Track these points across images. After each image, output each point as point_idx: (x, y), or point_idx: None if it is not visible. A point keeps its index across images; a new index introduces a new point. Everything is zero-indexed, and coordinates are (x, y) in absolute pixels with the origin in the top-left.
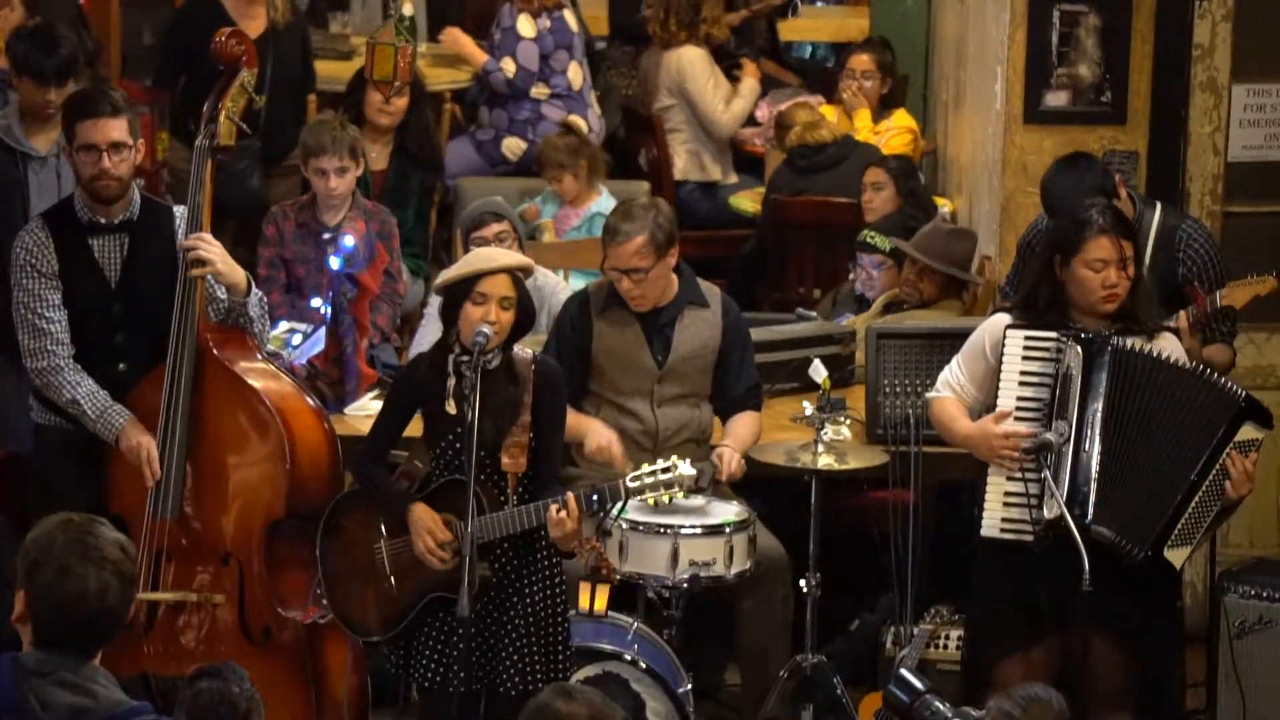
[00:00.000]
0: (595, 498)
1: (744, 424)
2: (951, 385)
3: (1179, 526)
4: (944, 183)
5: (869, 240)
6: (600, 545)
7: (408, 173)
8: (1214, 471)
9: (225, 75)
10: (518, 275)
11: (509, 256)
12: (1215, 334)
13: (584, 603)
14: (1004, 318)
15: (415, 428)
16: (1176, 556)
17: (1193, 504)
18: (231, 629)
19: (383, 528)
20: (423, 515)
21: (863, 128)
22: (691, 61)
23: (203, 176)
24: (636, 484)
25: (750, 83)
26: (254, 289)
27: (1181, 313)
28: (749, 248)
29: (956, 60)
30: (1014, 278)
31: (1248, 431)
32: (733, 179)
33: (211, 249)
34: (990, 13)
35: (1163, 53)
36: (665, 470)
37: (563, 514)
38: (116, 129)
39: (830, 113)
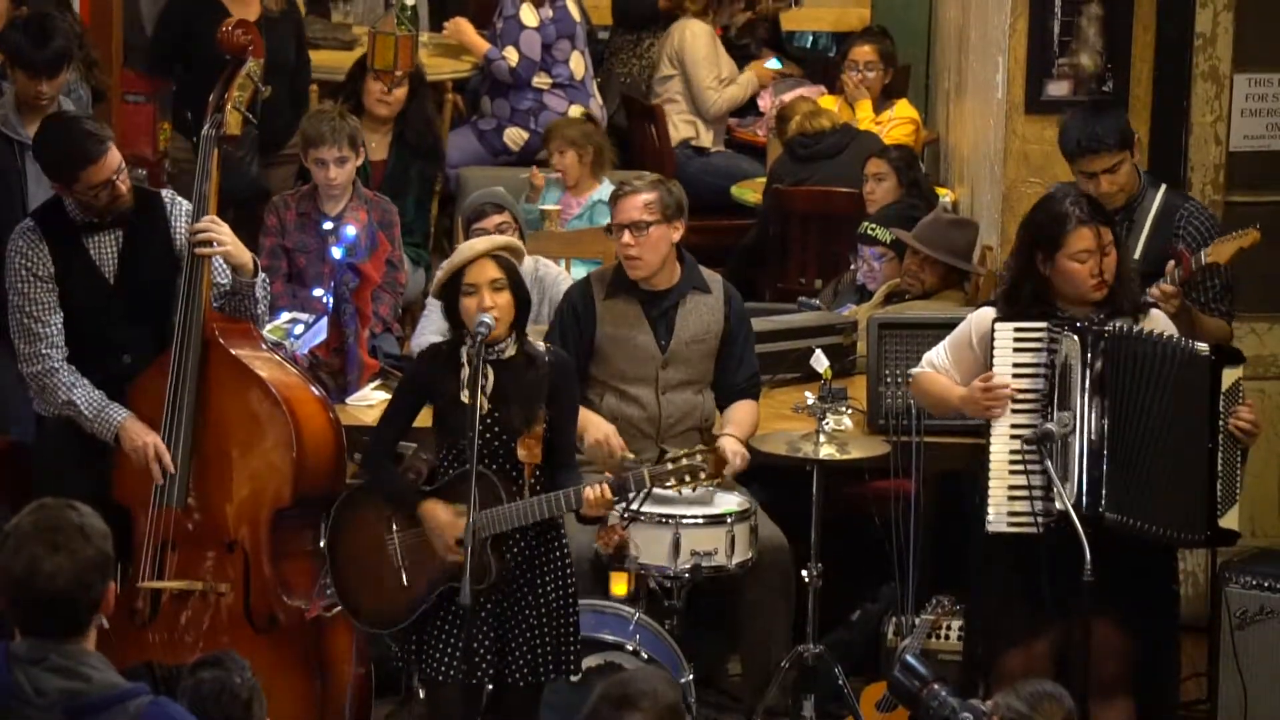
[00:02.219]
0: (619, 487)
1: (744, 411)
2: (936, 366)
3: (1219, 494)
4: (945, 172)
5: (870, 232)
6: (625, 533)
7: (407, 162)
8: (1220, 430)
9: (231, 65)
10: (502, 257)
11: (484, 242)
12: (1213, 311)
13: (618, 589)
14: (990, 311)
15: (425, 418)
16: (1232, 520)
17: (1219, 469)
18: (236, 617)
19: (393, 521)
20: (436, 513)
21: (864, 118)
22: (695, 34)
23: (209, 166)
24: (660, 473)
25: (750, 76)
26: (260, 271)
27: (1163, 280)
28: (750, 237)
29: (958, 49)
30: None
31: (1228, 376)
32: (719, 147)
33: (221, 230)
34: (992, 2)
35: (1164, 42)
36: (689, 459)
37: (606, 492)
38: (115, 155)
39: (832, 103)
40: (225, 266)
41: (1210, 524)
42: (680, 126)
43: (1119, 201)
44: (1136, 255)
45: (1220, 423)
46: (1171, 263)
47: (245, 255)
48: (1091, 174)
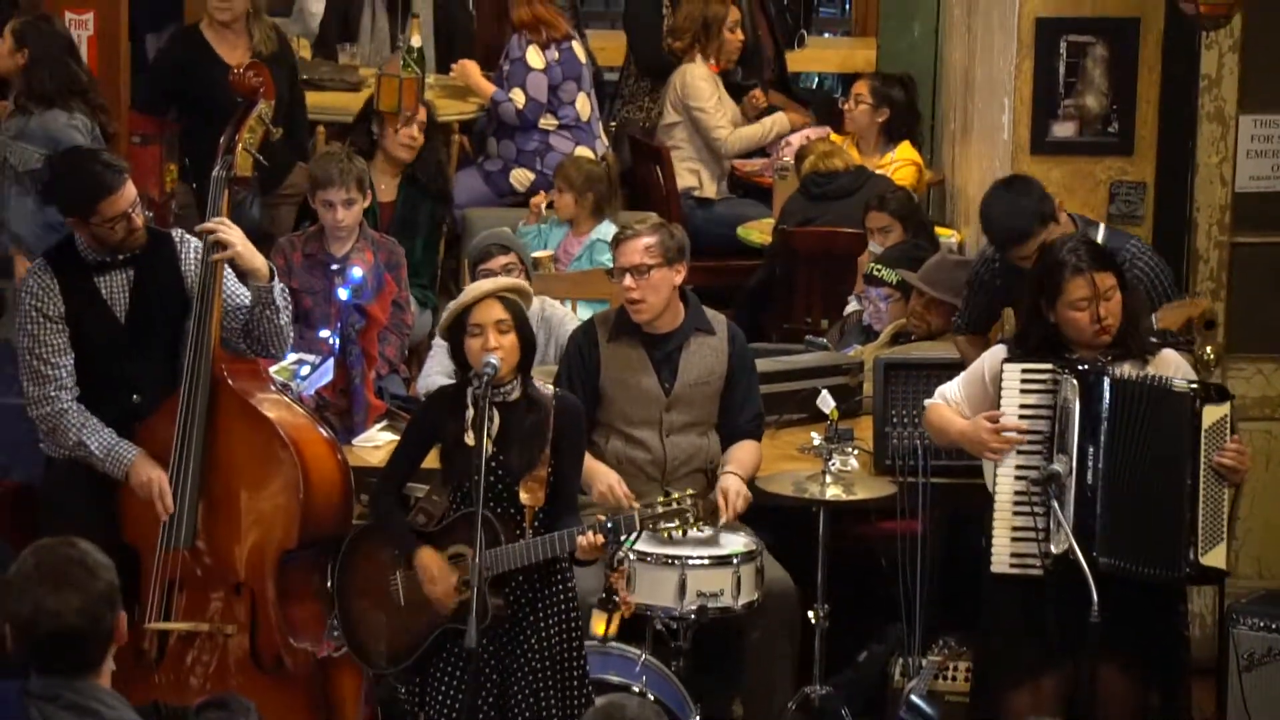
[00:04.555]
0: (610, 528)
1: (746, 450)
2: (947, 399)
3: (1201, 532)
4: (951, 213)
5: (876, 273)
6: (620, 576)
7: (417, 204)
8: (1203, 467)
9: (243, 107)
10: (508, 298)
11: (491, 283)
12: (1180, 347)
13: (598, 628)
14: (1002, 350)
15: (434, 459)
16: (1216, 558)
17: (1200, 506)
18: (243, 659)
19: (398, 561)
20: (429, 563)
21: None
22: (695, 78)
23: (219, 207)
24: (649, 516)
25: (779, 119)
26: (275, 277)
27: None
28: (757, 278)
29: (964, 91)
30: (964, 310)
31: (1212, 414)
32: (724, 195)
33: (231, 231)
34: (997, 44)
35: (1170, 83)
36: (678, 503)
37: (597, 538)
38: (132, 188)
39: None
40: (241, 290)
41: (1193, 562)
42: (683, 175)
43: None
44: None
45: (1202, 462)
46: None
47: (258, 260)
48: (1024, 257)
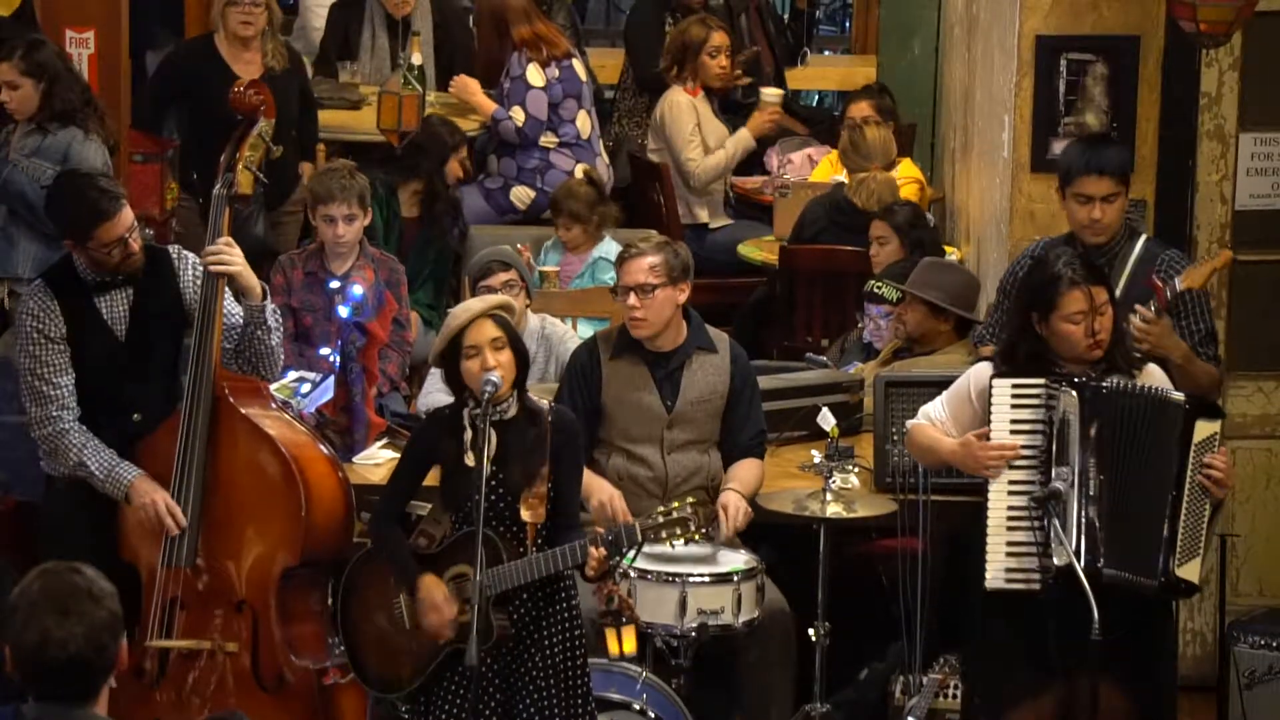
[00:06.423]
0: (611, 540)
1: (748, 468)
2: (932, 419)
3: (1179, 544)
4: (952, 231)
5: (876, 290)
6: (618, 588)
7: (433, 220)
8: (1188, 480)
9: (244, 125)
10: (498, 315)
11: (480, 302)
12: (1201, 356)
13: (613, 648)
14: (988, 366)
15: (435, 478)
16: (1191, 571)
17: (1182, 518)
18: (244, 677)
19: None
20: (431, 593)
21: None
22: (674, 105)
23: (220, 225)
24: (650, 526)
25: (741, 138)
26: (269, 297)
27: (1137, 306)
28: (757, 295)
29: (964, 109)
30: (994, 318)
31: (1203, 429)
32: (722, 221)
33: (234, 253)
34: (997, 62)
35: (1170, 101)
36: (678, 512)
37: (599, 551)
38: (129, 213)
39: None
40: (235, 309)
41: (1166, 572)
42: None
43: (1101, 240)
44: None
45: (1189, 475)
46: (1151, 303)
47: (254, 280)
48: (1088, 198)
